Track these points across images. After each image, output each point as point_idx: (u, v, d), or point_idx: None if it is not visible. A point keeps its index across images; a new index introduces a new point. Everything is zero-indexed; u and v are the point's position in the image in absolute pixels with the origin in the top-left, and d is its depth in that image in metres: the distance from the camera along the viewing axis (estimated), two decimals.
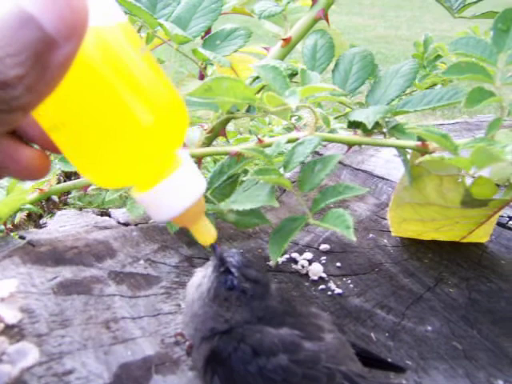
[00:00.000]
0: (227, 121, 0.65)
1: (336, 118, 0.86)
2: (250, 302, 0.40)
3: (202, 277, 0.42)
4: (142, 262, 0.57)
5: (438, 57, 1.16)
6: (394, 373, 0.47)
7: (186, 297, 0.43)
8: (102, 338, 0.47)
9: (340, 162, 0.92)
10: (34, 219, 0.84)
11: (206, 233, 0.34)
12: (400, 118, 0.63)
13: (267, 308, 0.41)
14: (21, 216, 0.84)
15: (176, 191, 0.31)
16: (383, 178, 0.87)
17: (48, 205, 0.86)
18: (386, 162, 0.95)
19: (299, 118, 0.86)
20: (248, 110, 0.65)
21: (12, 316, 0.45)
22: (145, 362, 0.45)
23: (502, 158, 0.42)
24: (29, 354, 0.41)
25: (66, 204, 0.93)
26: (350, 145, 0.58)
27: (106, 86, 0.26)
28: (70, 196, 1.00)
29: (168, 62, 0.64)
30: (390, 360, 0.51)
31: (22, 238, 0.56)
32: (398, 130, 0.58)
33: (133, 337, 0.47)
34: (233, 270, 0.40)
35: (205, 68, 0.70)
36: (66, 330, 0.46)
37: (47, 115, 0.27)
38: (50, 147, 0.29)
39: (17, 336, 0.44)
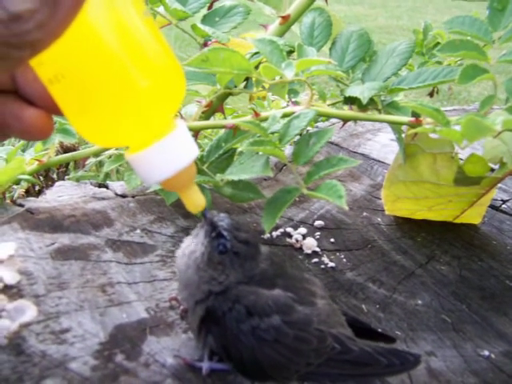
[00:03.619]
0: (225, 96, 0.66)
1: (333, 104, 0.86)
2: (243, 263, 0.41)
3: (195, 244, 0.42)
4: (138, 231, 0.58)
5: (438, 44, 1.17)
6: (384, 343, 0.48)
7: (177, 264, 0.44)
8: (97, 300, 0.48)
9: (337, 145, 0.93)
10: (32, 195, 0.85)
11: (195, 200, 0.35)
12: None
13: (259, 269, 0.42)
14: (19, 192, 0.85)
15: (167, 154, 0.31)
16: (379, 161, 0.88)
17: (46, 182, 0.87)
18: (382, 146, 0.95)
19: (296, 102, 0.86)
20: (246, 87, 0.66)
21: (11, 277, 0.46)
22: (139, 323, 0.46)
23: (493, 128, 0.43)
24: (27, 311, 0.42)
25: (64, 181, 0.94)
26: (345, 120, 0.59)
27: (104, 44, 0.27)
28: (69, 177, 1.01)
29: None
30: (380, 330, 0.52)
31: (20, 205, 0.57)
32: (392, 106, 0.59)
33: (128, 300, 0.48)
34: (225, 233, 0.40)
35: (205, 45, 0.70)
36: (63, 292, 0.47)
37: (49, 64, 0.27)
38: (49, 108, 0.30)
39: (15, 296, 0.45)
